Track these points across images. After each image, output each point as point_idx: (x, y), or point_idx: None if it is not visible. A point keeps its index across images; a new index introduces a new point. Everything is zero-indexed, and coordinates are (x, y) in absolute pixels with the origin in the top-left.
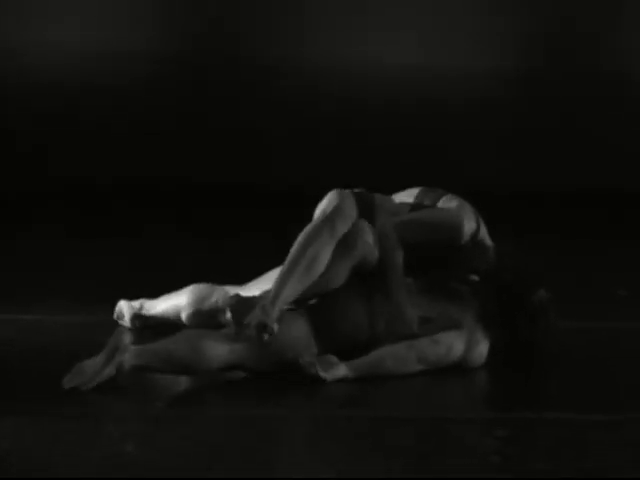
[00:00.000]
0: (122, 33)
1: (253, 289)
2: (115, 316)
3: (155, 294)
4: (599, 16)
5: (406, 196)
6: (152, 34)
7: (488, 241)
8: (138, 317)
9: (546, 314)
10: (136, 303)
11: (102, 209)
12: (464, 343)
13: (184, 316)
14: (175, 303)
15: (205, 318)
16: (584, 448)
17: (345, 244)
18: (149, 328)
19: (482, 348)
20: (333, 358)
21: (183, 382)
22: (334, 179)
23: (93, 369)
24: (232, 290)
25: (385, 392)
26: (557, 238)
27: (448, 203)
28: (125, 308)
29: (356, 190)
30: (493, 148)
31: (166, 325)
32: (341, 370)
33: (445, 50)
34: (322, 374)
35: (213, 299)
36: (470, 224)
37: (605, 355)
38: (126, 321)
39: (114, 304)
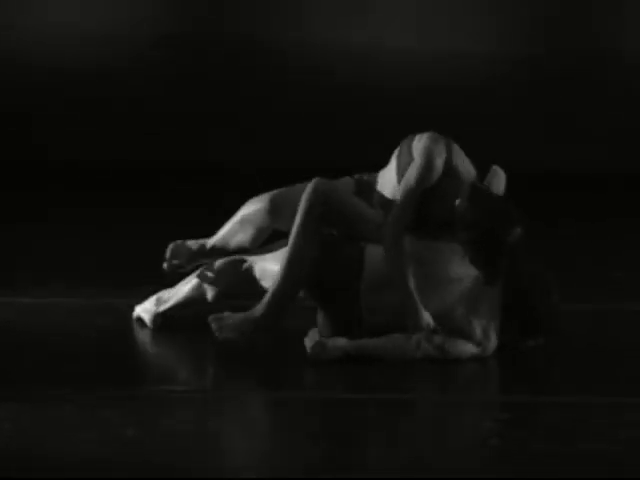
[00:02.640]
0: (111, 15)
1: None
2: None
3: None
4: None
5: (388, 169)
6: (146, 16)
7: (464, 173)
8: (159, 316)
9: (521, 254)
10: (151, 300)
11: (101, 192)
12: (474, 349)
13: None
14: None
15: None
16: (585, 431)
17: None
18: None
19: (492, 344)
20: (338, 339)
21: (186, 362)
22: (330, 161)
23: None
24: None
25: (385, 374)
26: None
27: (418, 145)
28: (144, 313)
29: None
30: (493, 130)
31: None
32: (337, 346)
33: (443, 34)
34: (308, 350)
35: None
36: (438, 160)
37: (605, 337)
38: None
39: (113, 287)
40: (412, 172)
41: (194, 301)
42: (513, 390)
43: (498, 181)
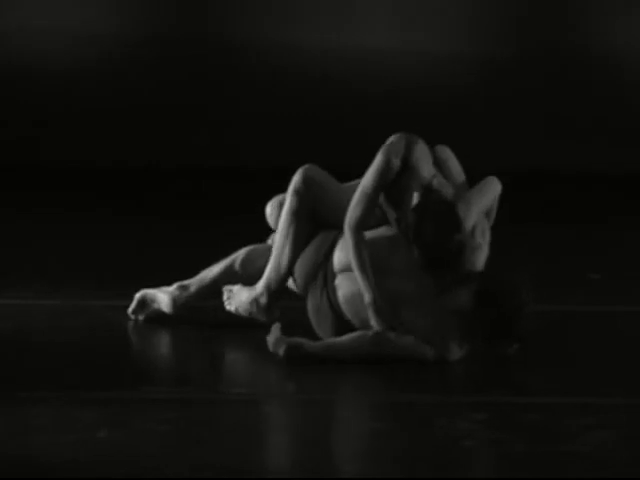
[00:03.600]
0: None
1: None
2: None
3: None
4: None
5: None
6: (124, 17)
7: (424, 174)
8: (181, 302)
9: (462, 260)
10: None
11: (70, 192)
12: (428, 352)
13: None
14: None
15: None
16: (560, 431)
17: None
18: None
19: (451, 353)
20: (297, 340)
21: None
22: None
23: None
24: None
25: (357, 375)
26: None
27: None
28: (162, 294)
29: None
30: (473, 130)
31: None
32: (305, 348)
33: (424, 34)
34: (270, 347)
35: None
36: (394, 159)
37: (580, 339)
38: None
39: (88, 288)
40: (369, 170)
41: (222, 284)
42: (487, 391)
43: (490, 188)
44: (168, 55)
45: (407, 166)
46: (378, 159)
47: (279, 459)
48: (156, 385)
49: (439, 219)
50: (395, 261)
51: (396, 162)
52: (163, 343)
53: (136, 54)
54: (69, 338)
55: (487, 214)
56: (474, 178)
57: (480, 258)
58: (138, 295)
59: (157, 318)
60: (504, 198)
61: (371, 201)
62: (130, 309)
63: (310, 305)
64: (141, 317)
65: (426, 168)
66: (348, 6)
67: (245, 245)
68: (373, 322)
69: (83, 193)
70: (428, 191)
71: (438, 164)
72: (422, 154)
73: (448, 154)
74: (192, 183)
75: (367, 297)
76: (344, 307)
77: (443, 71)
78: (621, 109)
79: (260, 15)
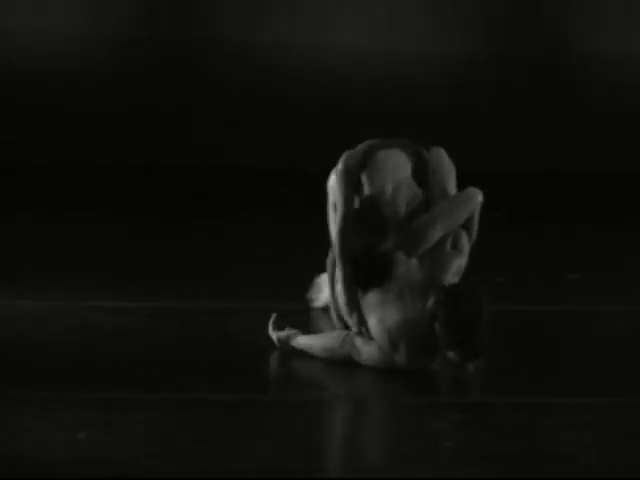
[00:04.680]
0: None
1: None
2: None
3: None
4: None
5: None
6: (104, 17)
7: (376, 181)
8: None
9: (389, 265)
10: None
11: (39, 191)
12: (385, 357)
13: None
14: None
15: None
16: (539, 432)
17: None
18: None
19: (399, 358)
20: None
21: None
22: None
23: None
24: None
25: (338, 375)
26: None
27: None
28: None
29: None
30: (458, 130)
31: None
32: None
33: (403, 34)
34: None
35: None
36: (346, 162)
37: (557, 338)
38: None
39: (64, 289)
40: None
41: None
42: (466, 391)
43: (464, 200)
44: (166, 55)
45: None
46: (337, 168)
47: (261, 460)
48: (141, 387)
49: (363, 231)
50: None
51: (352, 171)
52: (141, 344)
53: (133, 55)
54: (56, 339)
55: (466, 226)
56: (462, 178)
57: (452, 267)
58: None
59: None
60: (495, 198)
61: (343, 211)
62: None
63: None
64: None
65: (380, 178)
66: (331, 6)
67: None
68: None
69: (83, 193)
70: (370, 202)
71: (423, 170)
72: (379, 164)
73: (439, 159)
74: (192, 183)
75: (342, 299)
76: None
77: (427, 71)
78: (600, 109)
79: (258, 15)
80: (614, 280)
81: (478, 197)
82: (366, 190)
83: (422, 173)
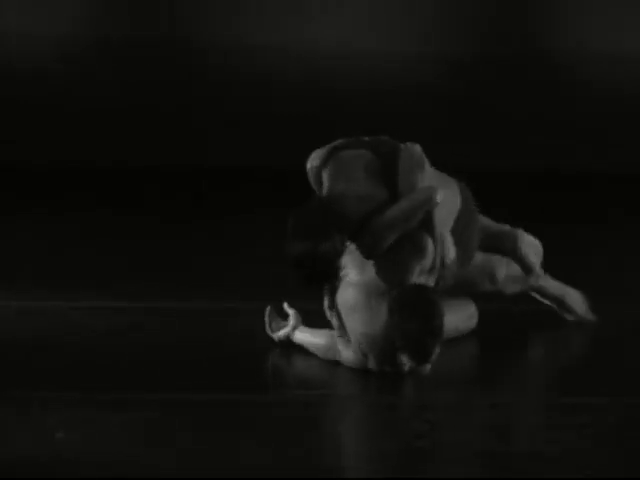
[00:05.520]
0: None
1: None
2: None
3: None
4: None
5: None
6: (79, 16)
7: (331, 180)
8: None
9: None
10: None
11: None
12: (354, 358)
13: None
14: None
15: None
16: (514, 431)
17: None
18: None
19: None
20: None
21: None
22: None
23: None
24: None
25: (316, 373)
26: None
27: None
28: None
29: None
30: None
31: None
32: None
33: (391, 34)
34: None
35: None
36: (311, 161)
37: (535, 338)
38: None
39: (64, 289)
40: None
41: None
42: (442, 391)
43: (410, 198)
44: (166, 56)
45: (320, 176)
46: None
47: (239, 460)
48: (141, 387)
49: (307, 231)
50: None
51: (315, 170)
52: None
53: (132, 55)
54: (56, 339)
55: (426, 226)
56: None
57: (413, 268)
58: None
59: None
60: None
61: None
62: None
63: None
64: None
65: (334, 179)
66: (313, 6)
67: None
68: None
69: (83, 193)
70: (318, 203)
71: (395, 167)
72: (336, 165)
73: (409, 157)
74: (192, 183)
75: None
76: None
77: (409, 71)
78: (577, 109)
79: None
80: (614, 280)
81: (433, 196)
82: (324, 190)
83: (394, 171)
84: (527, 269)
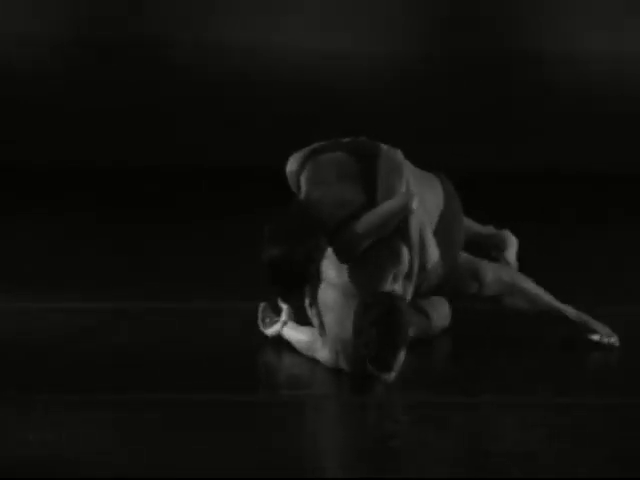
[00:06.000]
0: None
1: None
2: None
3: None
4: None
5: None
6: (55, 17)
7: (307, 185)
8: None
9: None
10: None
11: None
12: (328, 358)
13: None
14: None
15: None
16: (487, 431)
17: None
18: None
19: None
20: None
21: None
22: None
23: None
24: None
25: (289, 373)
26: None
27: None
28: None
29: None
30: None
31: None
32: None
33: (345, 35)
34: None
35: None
36: (290, 166)
37: (509, 338)
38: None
39: (64, 290)
40: None
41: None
42: (414, 390)
43: (387, 204)
44: (165, 56)
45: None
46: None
47: (210, 460)
48: (141, 387)
49: (283, 236)
50: (325, 271)
51: (293, 174)
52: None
53: (130, 55)
54: (56, 340)
55: (401, 232)
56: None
57: (386, 273)
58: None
59: None
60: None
61: None
62: None
63: None
64: None
65: (310, 183)
66: (283, 6)
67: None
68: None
69: (83, 193)
70: (294, 207)
71: (374, 171)
72: (313, 170)
73: (389, 161)
74: (192, 183)
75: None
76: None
77: (379, 71)
78: (546, 109)
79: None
80: (614, 280)
81: (409, 202)
82: (301, 194)
83: (373, 175)
84: (510, 267)
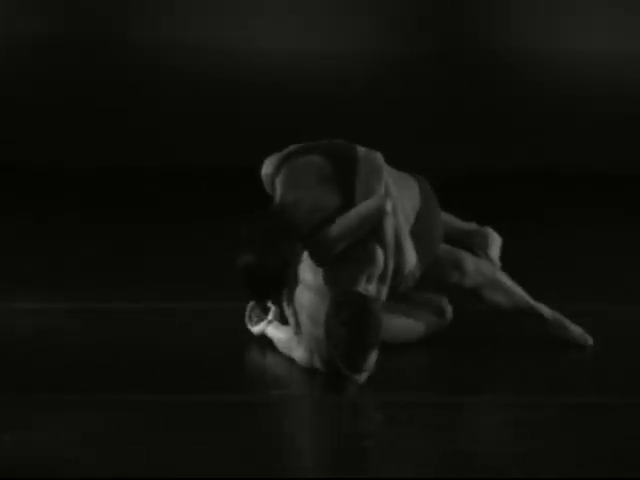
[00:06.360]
0: None
1: None
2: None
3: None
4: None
5: None
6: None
7: (283, 188)
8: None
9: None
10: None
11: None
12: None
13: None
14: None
15: None
16: (460, 430)
17: None
18: None
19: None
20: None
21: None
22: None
23: None
24: None
25: (262, 372)
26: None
27: None
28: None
29: None
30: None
31: None
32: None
33: (331, 34)
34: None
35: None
36: (265, 169)
37: (483, 337)
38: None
39: (63, 290)
40: None
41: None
42: (389, 390)
43: (362, 206)
44: (164, 57)
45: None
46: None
47: (180, 460)
48: (142, 387)
49: (256, 241)
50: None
51: (268, 178)
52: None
53: (130, 55)
54: (55, 340)
55: (376, 235)
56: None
57: (360, 275)
58: None
59: None
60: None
61: None
62: None
63: None
64: None
65: (284, 187)
66: (251, 6)
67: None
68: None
69: (82, 193)
70: (270, 212)
71: (352, 173)
72: (287, 173)
73: (367, 163)
74: (192, 183)
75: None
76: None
77: (349, 70)
78: (524, 109)
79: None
80: (614, 280)
81: (384, 204)
82: (276, 198)
83: (350, 177)
84: (491, 263)
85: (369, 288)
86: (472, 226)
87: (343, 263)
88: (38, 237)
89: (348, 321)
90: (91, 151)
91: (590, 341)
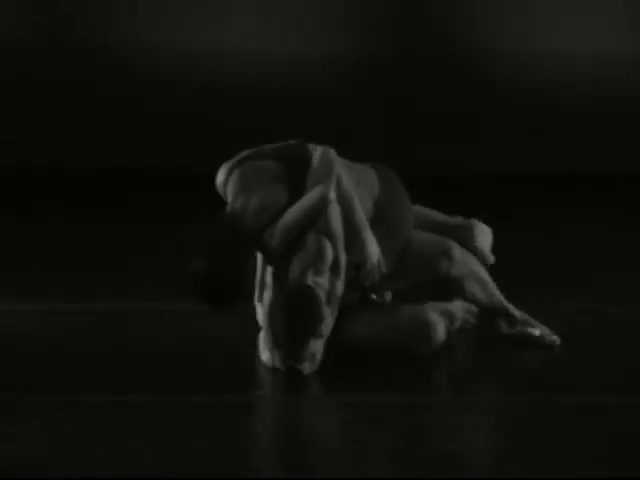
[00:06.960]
0: None
1: None
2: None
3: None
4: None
5: None
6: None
7: (232, 195)
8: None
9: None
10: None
11: None
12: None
13: None
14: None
15: None
16: (425, 432)
17: None
18: None
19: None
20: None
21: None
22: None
23: None
24: None
25: (252, 373)
26: None
27: None
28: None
29: None
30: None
31: None
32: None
33: (281, 34)
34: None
35: None
36: (218, 177)
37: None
38: None
39: (49, 289)
40: None
41: None
42: (357, 390)
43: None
44: (164, 58)
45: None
46: None
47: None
48: (142, 387)
49: (206, 247)
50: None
51: (221, 185)
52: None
53: (129, 55)
54: (56, 341)
55: (325, 229)
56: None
57: (309, 269)
58: None
59: None
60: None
61: None
62: None
63: None
64: None
65: (232, 193)
66: (218, 6)
67: None
68: None
69: (82, 193)
70: (219, 220)
71: (304, 172)
72: (234, 180)
73: (321, 160)
74: (192, 183)
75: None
76: None
77: (315, 71)
78: (495, 108)
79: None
80: (614, 280)
81: (326, 194)
82: (227, 206)
83: (302, 175)
84: (481, 257)
85: (319, 281)
86: (457, 220)
87: (290, 257)
88: (38, 237)
89: (286, 308)
90: (91, 151)
91: (558, 341)
